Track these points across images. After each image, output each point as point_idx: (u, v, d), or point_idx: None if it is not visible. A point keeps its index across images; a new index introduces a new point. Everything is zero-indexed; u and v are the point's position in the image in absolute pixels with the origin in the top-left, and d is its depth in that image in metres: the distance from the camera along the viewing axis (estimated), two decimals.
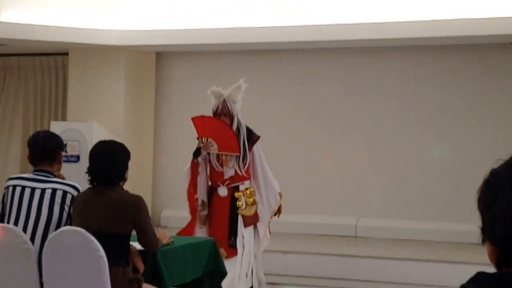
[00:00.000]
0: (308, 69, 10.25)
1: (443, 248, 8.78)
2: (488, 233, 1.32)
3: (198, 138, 6.89)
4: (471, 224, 8.04)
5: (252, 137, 6.95)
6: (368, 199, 9.86)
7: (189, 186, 6.83)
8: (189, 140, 10.51)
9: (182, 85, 10.85)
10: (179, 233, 6.67)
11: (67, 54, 10.80)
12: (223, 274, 5.50)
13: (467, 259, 7.53)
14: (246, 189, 6.89)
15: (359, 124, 9.97)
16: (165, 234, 5.06)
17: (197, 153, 6.83)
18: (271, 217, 6.98)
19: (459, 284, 1.27)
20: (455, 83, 9.70)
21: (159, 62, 10.97)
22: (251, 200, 6.85)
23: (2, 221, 4.73)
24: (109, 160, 4.60)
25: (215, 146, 6.78)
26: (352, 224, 9.78)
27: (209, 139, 6.77)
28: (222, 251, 6.70)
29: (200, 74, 10.72)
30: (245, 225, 6.83)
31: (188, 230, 6.80)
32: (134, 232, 4.62)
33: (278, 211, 7.01)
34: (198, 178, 6.83)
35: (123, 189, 4.66)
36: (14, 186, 4.75)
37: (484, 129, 9.53)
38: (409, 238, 9.36)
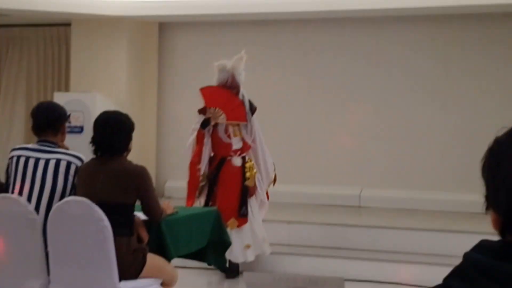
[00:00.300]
0: (311, 40, 10.21)
1: (446, 217, 8.81)
2: (492, 201, 1.32)
3: (202, 110, 6.90)
4: (474, 194, 8.06)
5: (252, 108, 6.99)
6: (372, 169, 9.87)
7: (194, 156, 6.85)
8: (193, 110, 10.53)
9: (185, 55, 10.83)
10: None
11: (69, 24, 10.77)
12: (228, 243, 5.53)
13: (470, 229, 7.54)
14: (250, 160, 6.94)
15: (363, 94, 9.95)
16: (169, 204, 5.08)
17: (205, 123, 6.85)
18: (268, 186, 7.05)
19: (462, 254, 1.28)
20: (459, 53, 9.66)
21: (162, 32, 10.93)
22: (254, 171, 6.90)
23: (7, 191, 4.75)
24: (113, 130, 4.60)
25: (223, 115, 6.80)
26: (355, 194, 9.80)
27: (217, 109, 6.78)
28: (233, 220, 6.75)
29: (202, 44, 10.69)
30: (249, 196, 6.89)
31: (188, 203, 6.85)
32: (138, 202, 4.64)
33: (274, 180, 7.10)
34: (204, 148, 6.85)
35: (126, 159, 4.67)
36: (18, 157, 4.76)
37: (488, 99, 9.51)
38: (412, 208, 9.39)
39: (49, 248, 4.52)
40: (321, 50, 10.16)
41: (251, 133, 6.95)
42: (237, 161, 6.87)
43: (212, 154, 6.95)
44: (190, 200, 6.85)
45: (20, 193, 4.67)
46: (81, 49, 10.53)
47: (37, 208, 4.62)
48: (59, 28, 11.20)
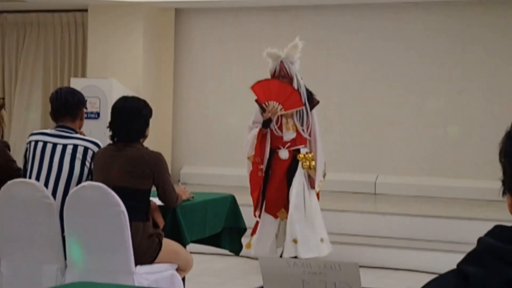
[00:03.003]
0: (328, 26, 10.18)
1: (462, 204, 8.79)
2: (509, 186, 1.32)
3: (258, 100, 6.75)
4: (491, 181, 8.03)
5: (313, 100, 6.78)
6: (388, 155, 9.85)
7: (255, 155, 6.67)
8: (208, 96, 10.53)
9: (201, 41, 10.83)
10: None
11: (86, 10, 10.80)
12: (243, 230, 5.54)
13: (486, 216, 7.53)
14: (307, 153, 6.74)
15: (379, 79, 9.92)
16: (185, 190, 5.10)
17: (266, 124, 6.63)
18: (318, 184, 6.86)
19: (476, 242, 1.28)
20: (477, 38, 9.60)
21: (178, 18, 10.93)
22: (313, 163, 6.72)
23: (24, 176, 4.79)
24: (131, 116, 4.62)
25: (280, 107, 6.61)
26: (371, 181, 9.79)
27: (272, 103, 6.61)
28: (283, 211, 6.70)
29: (219, 30, 10.68)
30: (311, 187, 6.74)
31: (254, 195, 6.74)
32: (154, 188, 4.66)
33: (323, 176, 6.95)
34: (266, 148, 6.75)
35: (143, 145, 4.69)
36: (36, 142, 4.79)
37: (506, 84, 9.46)
38: (428, 195, 9.37)
39: (66, 233, 4.56)
40: (337, 36, 10.13)
41: (307, 125, 6.71)
42: (284, 153, 6.68)
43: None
44: (255, 192, 6.76)
45: (38, 178, 4.70)
46: (97, 35, 10.56)
47: (54, 193, 4.65)
48: (76, 13, 11.23)
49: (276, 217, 6.74)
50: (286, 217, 6.62)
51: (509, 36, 9.50)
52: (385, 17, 9.95)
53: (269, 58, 6.73)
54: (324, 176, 6.92)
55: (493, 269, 1.17)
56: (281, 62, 6.64)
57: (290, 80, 6.65)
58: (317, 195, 6.92)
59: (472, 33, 9.63)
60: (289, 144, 6.71)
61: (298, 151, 6.72)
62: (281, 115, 6.69)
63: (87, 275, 4.35)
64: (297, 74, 6.70)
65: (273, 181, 6.73)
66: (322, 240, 6.73)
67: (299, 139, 6.73)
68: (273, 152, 6.73)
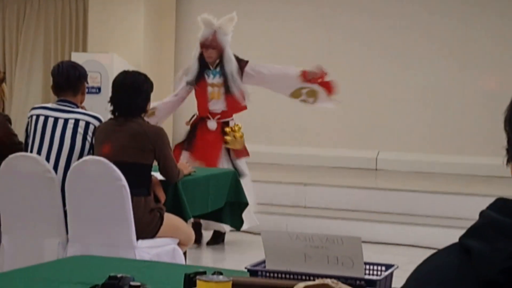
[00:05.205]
0: (329, 3, 10.11)
1: (463, 180, 8.79)
2: None
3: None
4: (491, 157, 8.04)
5: (241, 64, 6.80)
6: (389, 132, 9.85)
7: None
8: None
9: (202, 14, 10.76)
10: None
11: None
12: (244, 204, 5.56)
13: (486, 192, 7.54)
14: (235, 124, 6.83)
15: (381, 55, 9.88)
16: (186, 165, 5.11)
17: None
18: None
19: (478, 216, 1.28)
20: (479, 13, 9.55)
21: None
22: (239, 134, 6.79)
23: (26, 150, 4.79)
24: (131, 90, 4.61)
25: (233, 137, 6.73)
26: (372, 157, 9.79)
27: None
28: None
29: (221, 3, 10.62)
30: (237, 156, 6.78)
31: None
32: (156, 163, 4.66)
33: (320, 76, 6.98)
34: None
35: (144, 120, 4.69)
36: (38, 116, 4.78)
37: (508, 60, 9.43)
38: (429, 171, 9.37)
39: (68, 207, 4.57)
40: (339, 12, 10.08)
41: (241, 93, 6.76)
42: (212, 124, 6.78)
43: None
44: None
45: (39, 152, 4.70)
46: (98, 9, 10.51)
47: (55, 167, 4.65)
48: None
49: None
50: None
51: (511, 12, 9.46)
52: None
53: (203, 24, 6.72)
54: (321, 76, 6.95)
55: (495, 243, 1.17)
56: (214, 31, 6.63)
57: (220, 50, 6.65)
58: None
59: (474, 7, 9.57)
60: (219, 116, 6.80)
61: (227, 123, 6.81)
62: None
63: (88, 249, 4.37)
64: (227, 46, 6.71)
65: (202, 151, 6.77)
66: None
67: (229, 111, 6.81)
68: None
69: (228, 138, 6.73)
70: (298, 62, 10.16)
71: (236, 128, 6.81)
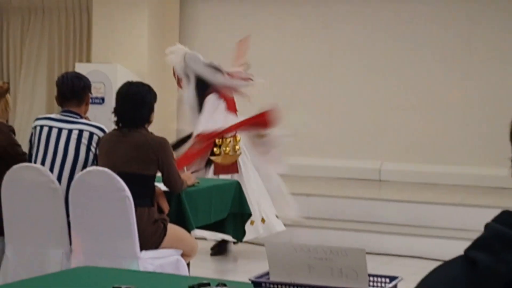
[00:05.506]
0: (333, 11, 10.14)
1: (468, 192, 8.77)
2: None
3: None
4: (496, 168, 8.03)
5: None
6: (392, 142, 9.84)
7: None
8: None
9: (206, 27, 10.81)
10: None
11: None
12: (248, 215, 5.55)
13: (492, 203, 7.53)
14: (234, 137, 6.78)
15: (384, 66, 9.89)
16: (190, 175, 5.10)
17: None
18: None
19: (483, 228, 1.27)
20: (481, 25, 9.56)
21: (183, 3, 10.91)
22: (228, 148, 6.73)
23: (30, 161, 4.79)
24: (135, 101, 4.62)
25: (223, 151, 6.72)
26: (376, 167, 9.78)
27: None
28: None
29: (224, 15, 10.66)
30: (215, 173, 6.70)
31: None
32: (159, 174, 4.66)
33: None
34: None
35: (148, 130, 4.69)
36: (42, 126, 4.79)
37: (510, 72, 9.43)
38: (433, 182, 9.36)
39: (71, 218, 4.56)
40: (342, 22, 10.10)
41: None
42: None
43: None
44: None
45: (43, 163, 4.70)
46: (102, 19, 10.53)
47: (59, 178, 4.65)
48: None
49: None
50: None
51: None
52: (389, 5, 9.91)
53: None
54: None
55: (501, 255, 1.17)
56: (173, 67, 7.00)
57: (180, 78, 7.11)
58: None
59: (476, 20, 9.59)
60: None
61: None
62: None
63: (92, 260, 4.36)
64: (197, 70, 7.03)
65: None
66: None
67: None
68: None
69: (216, 150, 6.69)
70: (299, 74, 10.19)
71: (227, 142, 6.73)
